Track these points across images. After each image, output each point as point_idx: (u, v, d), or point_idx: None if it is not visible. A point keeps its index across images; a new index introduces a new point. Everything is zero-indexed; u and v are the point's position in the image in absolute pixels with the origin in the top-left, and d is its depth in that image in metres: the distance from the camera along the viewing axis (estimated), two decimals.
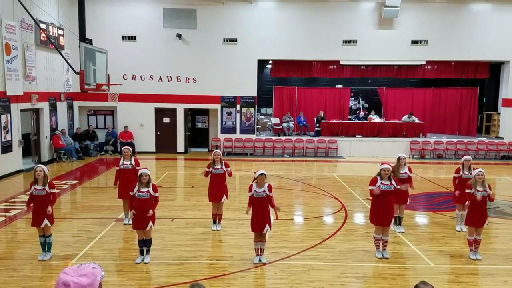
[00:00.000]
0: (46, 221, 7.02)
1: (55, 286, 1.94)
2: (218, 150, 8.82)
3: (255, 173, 7.00)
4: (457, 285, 6.46)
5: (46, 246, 7.12)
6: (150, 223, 6.95)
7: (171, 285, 6.27)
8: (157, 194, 7.04)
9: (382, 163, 7.42)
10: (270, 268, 6.82)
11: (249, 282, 6.45)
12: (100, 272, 2.02)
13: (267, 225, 6.94)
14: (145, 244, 7.03)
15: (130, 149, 9.02)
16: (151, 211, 6.88)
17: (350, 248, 7.84)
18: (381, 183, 7.14)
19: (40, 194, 6.99)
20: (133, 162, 8.81)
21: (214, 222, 8.80)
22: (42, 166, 7.16)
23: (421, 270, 6.92)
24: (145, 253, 7.06)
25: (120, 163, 8.84)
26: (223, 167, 8.62)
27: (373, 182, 7.26)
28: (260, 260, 7.05)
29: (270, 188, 6.95)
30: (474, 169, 8.50)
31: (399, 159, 8.64)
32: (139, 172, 7.00)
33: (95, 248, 7.73)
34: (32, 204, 7.10)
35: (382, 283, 6.50)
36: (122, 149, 9.07)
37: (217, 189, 8.61)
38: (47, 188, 6.98)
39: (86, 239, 8.17)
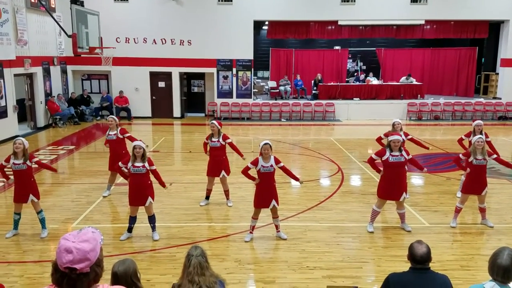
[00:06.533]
0: (32, 197, 6.59)
1: (56, 253, 1.92)
2: (215, 121, 8.00)
3: (260, 145, 6.44)
4: (451, 244, 6.62)
5: (40, 222, 6.77)
6: (149, 199, 6.49)
7: (171, 247, 6.39)
8: (154, 167, 6.57)
9: (389, 135, 6.98)
10: (268, 230, 6.93)
11: (247, 243, 6.56)
12: (99, 236, 2.02)
13: (273, 201, 6.48)
14: (149, 221, 6.63)
15: (115, 118, 8.61)
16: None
17: (346, 209, 7.97)
18: (390, 154, 6.64)
19: (20, 168, 6.47)
20: (119, 133, 8.46)
21: (207, 197, 8.23)
22: (22, 138, 6.64)
23: (416, 229, 7.04)
24: (151, 229, 6.67)
25: (106, 134, 8.59)
26: (220, 140, 7.94)
27: (380, 153, 6.74)
28: (280, 237, 6.65)
29: (277, 160, 6.43)
30: (486, 135, 8.29)
31: (394, 124, 8.39)
32: (133, 144, 6.50)
33: (95, 212, 7.83)
34: (10, 179, 6.70)
35: (377, 242, 6.64)
36: (107, 118, 8.58)
37: (215, 164, 7.97)
38: (28, 162, 6.49)
39: (86, 203, 8.25)
